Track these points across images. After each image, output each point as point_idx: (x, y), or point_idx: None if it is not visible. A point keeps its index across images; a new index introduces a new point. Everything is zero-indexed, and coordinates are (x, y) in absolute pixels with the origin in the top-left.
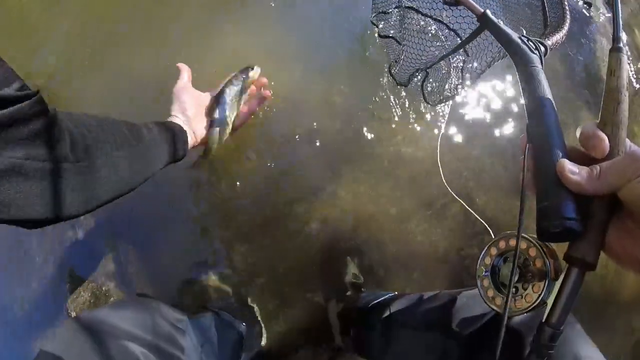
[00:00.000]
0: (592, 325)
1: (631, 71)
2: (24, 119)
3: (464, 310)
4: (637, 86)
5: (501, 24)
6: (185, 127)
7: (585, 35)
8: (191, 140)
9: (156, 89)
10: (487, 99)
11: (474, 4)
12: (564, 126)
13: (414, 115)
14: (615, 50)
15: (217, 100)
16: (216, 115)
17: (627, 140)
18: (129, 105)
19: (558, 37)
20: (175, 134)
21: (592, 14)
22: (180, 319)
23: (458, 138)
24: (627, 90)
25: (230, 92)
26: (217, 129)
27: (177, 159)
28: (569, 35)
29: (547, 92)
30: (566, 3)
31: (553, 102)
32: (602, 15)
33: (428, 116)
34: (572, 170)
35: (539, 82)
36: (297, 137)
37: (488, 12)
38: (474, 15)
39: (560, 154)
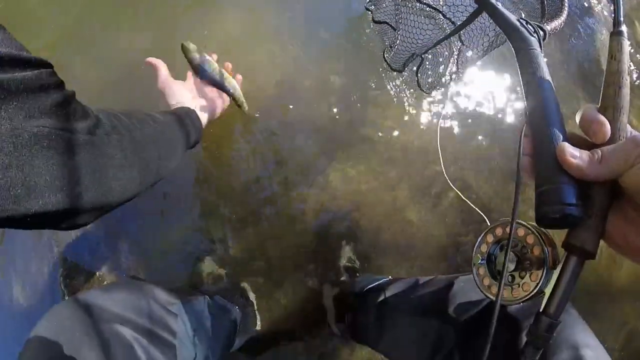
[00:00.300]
0: (585, 315)
1: (631, 64)
2: (48, 85)
3: (460, 296)
4: (636, 78)
5: (499, 6)
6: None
7: (585, 26)
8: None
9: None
10: (486, 85)
11: None
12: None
13: (411, 101)
14: (616, 34)
15: (202, 72)
16: (227, 85)
17: (628, 126)
18: (127, 93)
19: (557, 23)
20: (184, 114)
21: (592, 4)
22: (173, 302)
23: (456, 124)
24: (629, 75)
25: (204, 62)
26: (232, 84)
27: (193, 141)
28: (568, 26)
29: (546, 75)
30: None
31: (552, 85)
32: (602, 6)
33: (426, 102)
34: (573, 154)
35: (537, 64)
36: (292, 123)
37: None
38: None
39: (561, 137)
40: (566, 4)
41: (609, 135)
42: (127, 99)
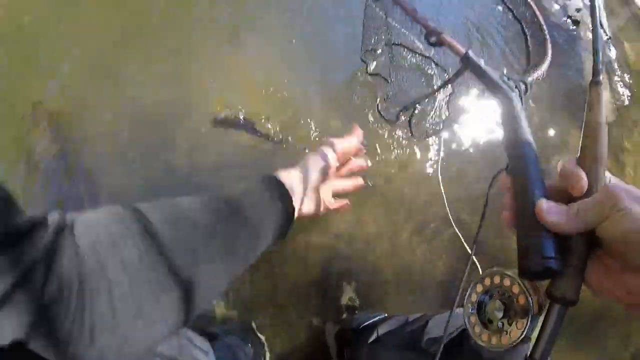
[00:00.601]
0: (586, 340)
1: (620, 85)
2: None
3: (431, 331)
4: (627, 102)
5: (482, 64)
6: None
7: (573, 54)
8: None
9: (166, 113)
10: (480, 127)
11: (457, 45)
12: (553, 149)
13: (406, 145)
14: (594, 83)
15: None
16: None
17: (607, 174)
18: (146, 130)
19: (539, 72)
20: (283, 216)
21: (580, 32)
22: (202, 341)
23: (451, 164)
24: (607, 124)
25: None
26: None
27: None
28: (557, 56)
29: (526, 131)
30: (548, 39)
31: (532, 141)
32: (590, 34)
33: (421, 145)
34: (550, 210)
35: (518, 120)
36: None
37: (470, 52)
38: None
39: (539, 194)
40: (549, 53)
41: (586, 188)
42: (141, 124)
